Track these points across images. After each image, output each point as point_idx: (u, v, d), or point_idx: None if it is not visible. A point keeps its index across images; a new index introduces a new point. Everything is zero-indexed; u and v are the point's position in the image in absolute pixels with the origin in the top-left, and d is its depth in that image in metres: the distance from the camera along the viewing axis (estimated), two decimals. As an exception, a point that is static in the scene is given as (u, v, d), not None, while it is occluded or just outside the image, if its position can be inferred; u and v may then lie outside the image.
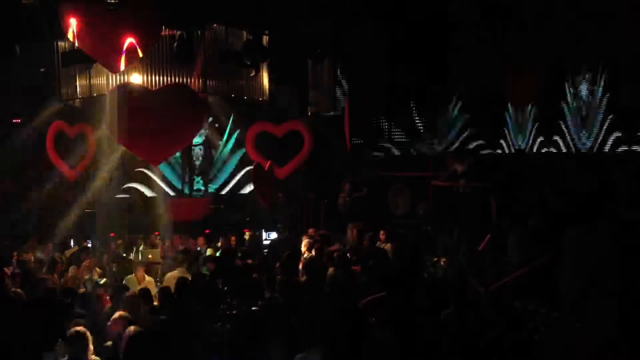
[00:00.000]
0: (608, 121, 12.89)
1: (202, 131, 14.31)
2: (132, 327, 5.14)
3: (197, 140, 14.63)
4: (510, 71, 8.64)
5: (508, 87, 8.60)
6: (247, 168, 14.45)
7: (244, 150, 14.33)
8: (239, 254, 9.57)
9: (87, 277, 8.84)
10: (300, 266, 8.32)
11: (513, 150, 12.75)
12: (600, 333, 4.05)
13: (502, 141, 13.73)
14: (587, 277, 4.19)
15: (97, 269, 9.37)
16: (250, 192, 13.04)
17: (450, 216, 9.52)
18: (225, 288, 7.36)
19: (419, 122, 12.29)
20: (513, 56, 8.20)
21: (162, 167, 14.18)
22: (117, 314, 5.94)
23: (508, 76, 8.73)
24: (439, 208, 10.08)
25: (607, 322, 4.05)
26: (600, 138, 13.40)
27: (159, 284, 8.62)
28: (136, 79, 12.19)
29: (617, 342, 3.95)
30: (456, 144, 13.32)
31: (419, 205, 10.55)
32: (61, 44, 12.59)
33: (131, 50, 10.73)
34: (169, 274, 8.67)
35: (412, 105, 11.73)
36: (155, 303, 7.18)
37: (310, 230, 10.99)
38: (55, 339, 5.51)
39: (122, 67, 11.19)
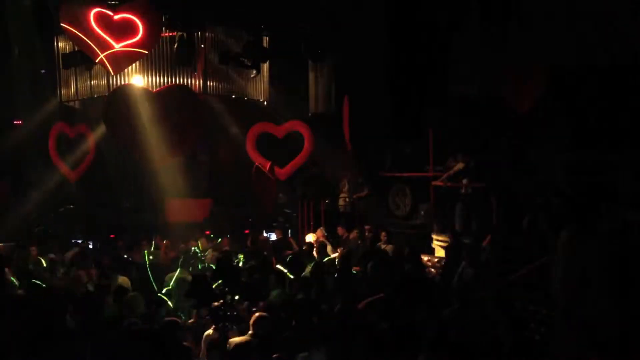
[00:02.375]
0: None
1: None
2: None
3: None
4: (512, 73, 8.64)
5: (510, 89, 8.59)
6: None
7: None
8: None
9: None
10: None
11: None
12: (594, 333, 4.05)
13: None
14: (580, 279, 4.19)
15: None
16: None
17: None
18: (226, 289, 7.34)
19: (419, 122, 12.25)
20: (515, 58, 8.19)
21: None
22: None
23: (510, 78, 8.73)
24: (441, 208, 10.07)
25: (601, 323, 4.05)
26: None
27: None
28: (136, 80, 12.21)
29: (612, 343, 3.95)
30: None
31: (420, 206, 10.54)
32: (61, 45, 12.61)
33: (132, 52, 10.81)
34: (169, 275, 8.68)
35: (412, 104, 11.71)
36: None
37: (319, 232, 10.92)
38: (56, 340, 5.51)
39: (122, 68, 11.27)
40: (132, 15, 10.20)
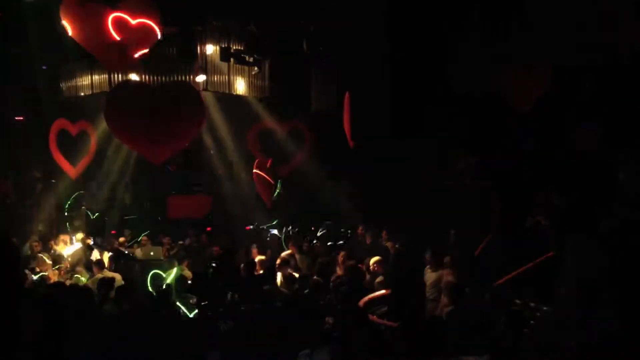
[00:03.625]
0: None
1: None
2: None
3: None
4: (512, 72, 8.63)
5: (509, 88, 8.58)
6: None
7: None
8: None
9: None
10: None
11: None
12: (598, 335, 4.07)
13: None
14: (587, 283, 4.22)
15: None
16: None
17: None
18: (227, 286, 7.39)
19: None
20: (515, 56, 8.18)
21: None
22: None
23: (509, 77, 8.72)
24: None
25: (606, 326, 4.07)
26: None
27: None
28: (137, 76, 12.20)
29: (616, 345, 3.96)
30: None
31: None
32: (63, 41, 12.57)
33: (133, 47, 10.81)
34: (168, 272, 8.75)
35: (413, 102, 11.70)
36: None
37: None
38: (59, 334, 5.54)
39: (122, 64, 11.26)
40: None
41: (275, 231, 11.29)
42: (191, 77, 12.39)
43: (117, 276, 8.18)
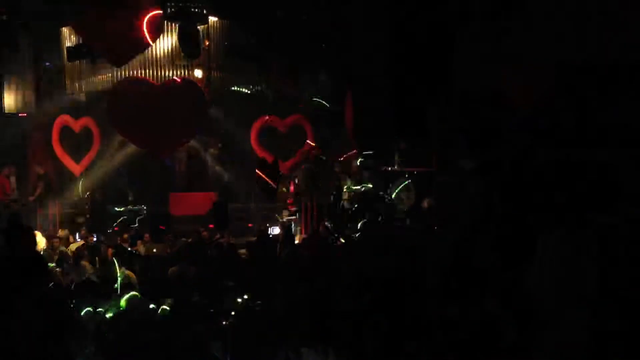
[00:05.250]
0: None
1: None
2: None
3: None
4: (512, 70, 8.61)
5: (511, 87, 8.57)
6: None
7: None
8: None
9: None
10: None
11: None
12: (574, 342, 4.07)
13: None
14: (563, 285, 4.22)
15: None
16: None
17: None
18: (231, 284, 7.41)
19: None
20: (518, 55, 8.18)
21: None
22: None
23: (510, 75, 8.70)
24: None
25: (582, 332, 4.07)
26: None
27: None
28: (140, 73, 12.23)
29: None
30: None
31: (425, 200, 10.54)
32: (66, 37, 12.62)
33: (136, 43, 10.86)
34: (171, 269, 8.75)
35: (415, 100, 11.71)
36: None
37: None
38: (62, 332, 5.57)
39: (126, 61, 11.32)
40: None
41: (277, 229, 11.30)
42: (192, 73, 12.43)
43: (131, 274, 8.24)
